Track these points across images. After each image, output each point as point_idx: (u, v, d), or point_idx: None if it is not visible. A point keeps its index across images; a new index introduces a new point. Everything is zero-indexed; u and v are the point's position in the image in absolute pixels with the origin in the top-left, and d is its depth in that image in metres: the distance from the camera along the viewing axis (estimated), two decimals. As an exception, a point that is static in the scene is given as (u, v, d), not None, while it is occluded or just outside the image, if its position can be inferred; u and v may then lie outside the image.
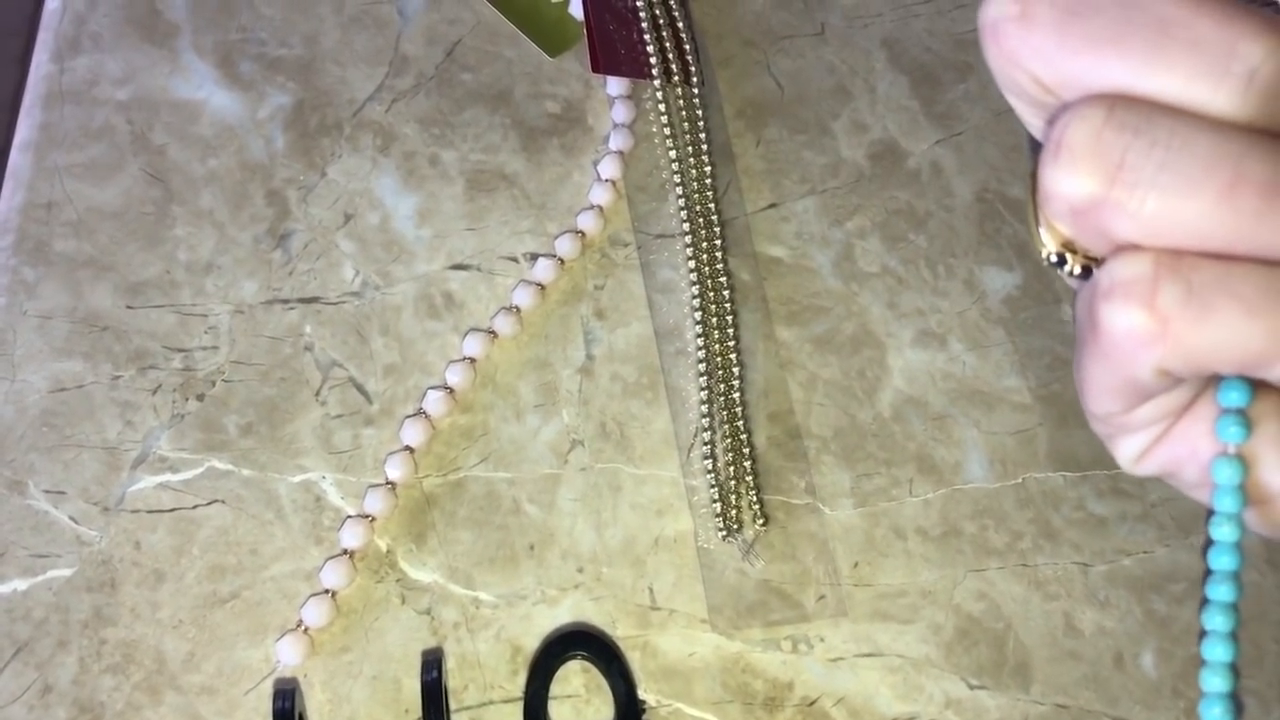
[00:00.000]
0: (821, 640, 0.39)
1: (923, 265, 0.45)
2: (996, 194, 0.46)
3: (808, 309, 0.44)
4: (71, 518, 0.39)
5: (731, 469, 0.41)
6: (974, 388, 0.43)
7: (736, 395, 0.42)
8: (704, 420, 0.41)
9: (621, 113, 0.46)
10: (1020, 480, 0.42)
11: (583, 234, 0.44)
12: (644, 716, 0.38)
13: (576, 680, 0.38)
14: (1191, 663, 0.39)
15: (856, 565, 0.40)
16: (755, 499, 0.41)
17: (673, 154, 0.45)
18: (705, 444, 0.41)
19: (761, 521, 0.40)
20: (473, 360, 0.42)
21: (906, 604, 0.40)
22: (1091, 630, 0.40)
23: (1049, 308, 0.44)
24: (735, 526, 0.40)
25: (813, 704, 0.38)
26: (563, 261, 0.44)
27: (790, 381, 0.43)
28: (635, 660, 0.39)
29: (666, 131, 0.45)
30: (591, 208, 0.44)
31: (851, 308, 0.44)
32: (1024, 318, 0.44)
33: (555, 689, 0.38)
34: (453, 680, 0.38)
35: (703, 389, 0.42)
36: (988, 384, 0.43)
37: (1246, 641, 0.40)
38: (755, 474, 0.41)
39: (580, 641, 0.38)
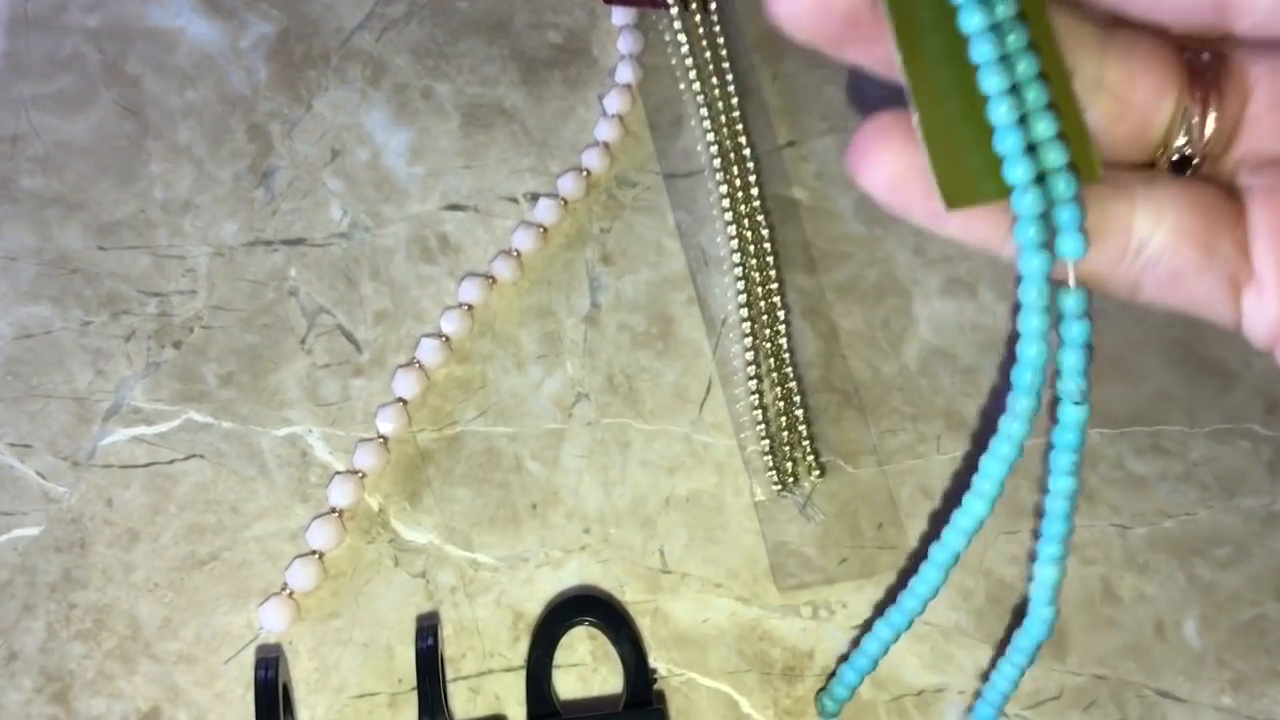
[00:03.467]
0: (844, 606, 0.37)
1: (950, 209, 0.42)
2: (1029, 134, 0.43)
3: (829, 255, 0.41)
4: (39, 473, 0.37)
5: (783, 419, 0.38)
6: (1005, 338, 0.40)
7: (784, 341, 0.39)
8: (750, 369, 0.39)
9: (628, 43, 0.43)
10: (1055, 437, 0.39)
11: (587, 173, 0.41)
12: (655, 686, 0.35)
13: (583, 648, 0.36)
14: (1238, 632, 0.37)
15: (880, 527, 0.38)
16: (810, 449, 0.38)
17: (696, 86, 0.42)
18: (753, 394, 0.38)
19: (818, 473, 0.38)
20: (470, 307, 0.39)
21: (934, 568, 0.37)
22: (1131, 597, 0.37)
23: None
24: (790, 479, 0.38)
25: (834, 674, 0.36)
26: (566, 202, 0.41)
27: (809, 332, 0.40)
28: (645, 627, 0.36)
29: (689, 62, 0.42)
30: (596, 145, 0.41)
31: (876, 254, 0.41)
32: (1058, 265, 0.41)
33: (560, 657, 0.35)
34: (449, 648, 0.36)
35: (746, 335, 0.39)
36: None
37: (1249, 605, 0.37)
38: (808, 423, 0.38)
39: (587, 607, 0.35)
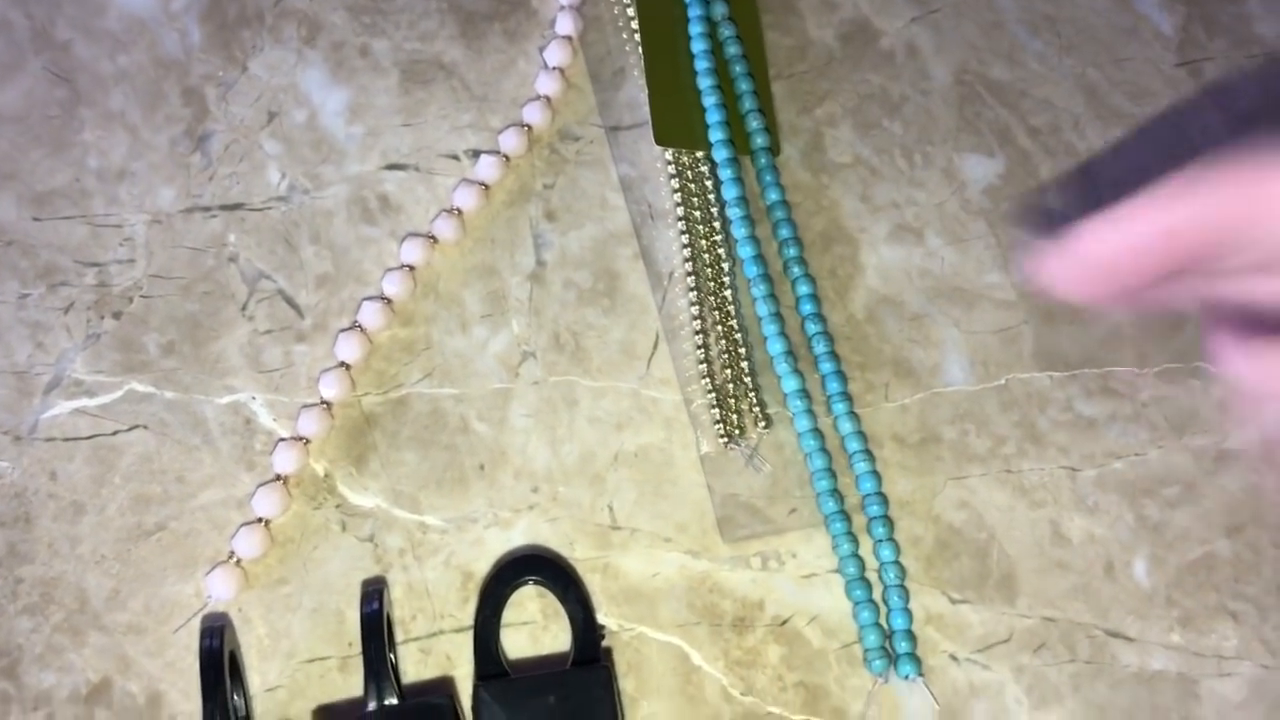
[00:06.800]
0: (793, 556, 0.37)
1: (898, 154, 0.42)
2: (977, 75, 0.43)
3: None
4: (-20, 449, 0.36)
5: (729, 371, 0.38)
6: (953, 284, 0.40)
7: (728, 294, 0.39)
8: (695, 323, 0.38)
9: (568, -6, 0.42)
10: (1003, 381, 0.39)
11: (529, 128, 0.40)
12: (604, 642, 0.35)
13: (533, 606, 0.36)
14: (1187, 570, 0.37)
15: (830, 476, 0.38)
16: (756, 400, 0.38)
17: (638, 36, 0.41)
18: (699, 348, 0.38)
19: (764, 424, 0.38)
20: (412, 268, 0.39)
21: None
22: (1080, 538, 0.37)
23: (1033, 197, 0.41)
24: (737, 431, 0.37)
25: (784, 623, 0.36)
26: (508, 158, 0.40)
27: (757, 282, 0.40)
28: (596, 583, 0.36)
29: (630, 11, 0.41)
30: (538, 99, 0.41)
31: (821, 201, 0.41)
32: (1006, 208, 0.41)
33: (511, 616, 0.35)
34: (400, 610, 0.36)
35: (692, 289, 0.39)
36: (968, 280, 0.40)
37: (1243, 546, 0.37)
38: (754, 374, 0.38)
39: (533, 566, 0.35)
